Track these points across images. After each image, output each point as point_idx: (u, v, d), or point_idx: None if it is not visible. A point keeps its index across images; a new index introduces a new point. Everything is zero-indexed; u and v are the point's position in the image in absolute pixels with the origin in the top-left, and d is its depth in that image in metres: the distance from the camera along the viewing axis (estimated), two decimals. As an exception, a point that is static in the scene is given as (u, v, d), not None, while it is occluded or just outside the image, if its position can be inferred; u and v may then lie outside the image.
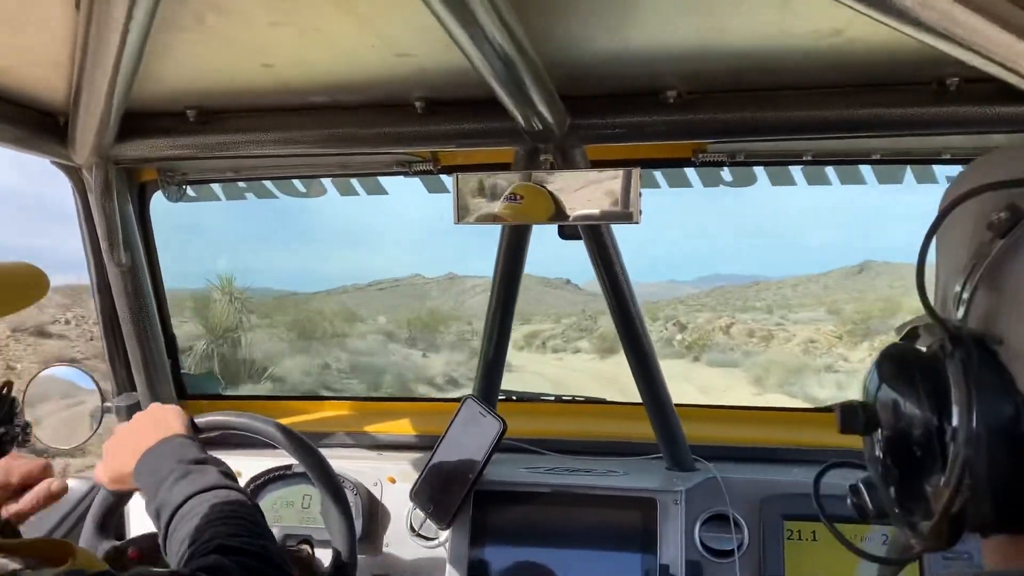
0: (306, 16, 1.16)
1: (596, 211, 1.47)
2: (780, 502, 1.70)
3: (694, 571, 1.66)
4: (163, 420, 1.35)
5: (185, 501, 1.12)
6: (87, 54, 1.23)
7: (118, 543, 1.55)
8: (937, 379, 0.61)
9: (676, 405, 1.82)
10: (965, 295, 0.62)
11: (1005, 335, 0.59)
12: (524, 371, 22.37)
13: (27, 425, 0.98)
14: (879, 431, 0.67)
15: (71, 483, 2.03)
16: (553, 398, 2.15)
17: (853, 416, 0.68)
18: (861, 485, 0.74)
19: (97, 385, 1.93)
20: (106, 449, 1.36)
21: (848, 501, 0.75)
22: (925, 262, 0.64)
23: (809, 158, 1.65)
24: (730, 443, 1.93)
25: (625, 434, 1.99)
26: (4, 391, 0.90)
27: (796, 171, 1.75)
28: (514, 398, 2.14)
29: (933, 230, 0.64)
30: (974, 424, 0.57)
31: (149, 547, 1.54)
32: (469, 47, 1.09)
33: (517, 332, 29.72)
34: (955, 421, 0.58)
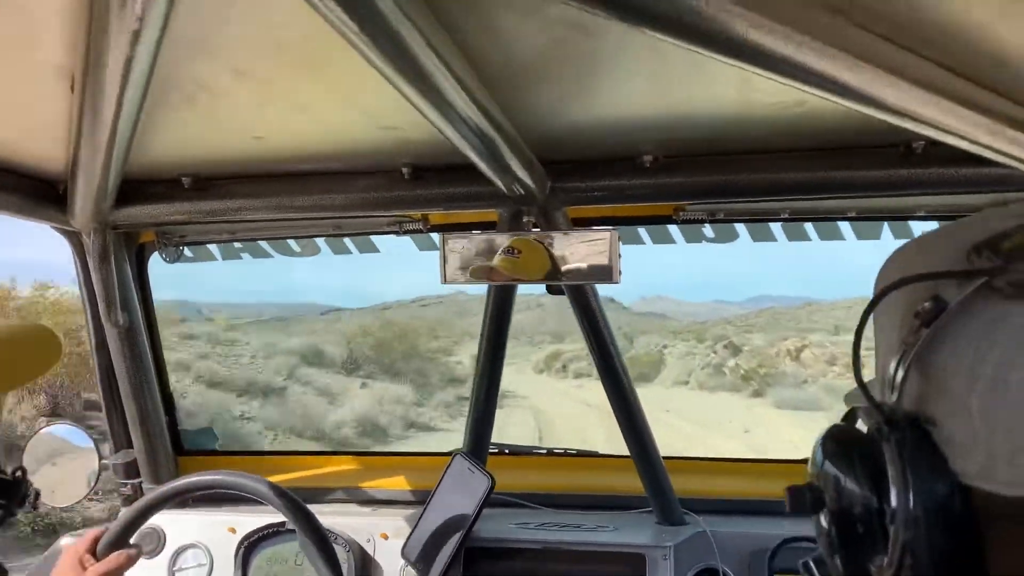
0: (292, 95, 1.22)
1: (578, 271, 1.51)
2: (766, 555, 1.71)
3: None
4: None
5: None
6: (83, 130, 1.28)
7: None
8: (875, 460, 0.62)
9: (665, 458, 1.84)
10: (898, 378, 0.63)
11: (936, 417, 0.60)
12: (519, 407, 19.16)
13: (38, 494, 1.00)
14: (824, 511, 0.69)
15: (65, 540, 2.05)
16: (544, 451, 2.17)
17: (801, 497, 0.70)
18: (811, 563, 0.76)
19: (94, 443, 1.96)
20: None
21: None
22: (860, 345, 0.66)
23: (787, 215, 1.69)
24: (719, 496, 1.95)
25: (615, 488, 2.01)
26: (17, 475, 0.93)
27: (776, 228, 1.79)
28: (506, 452, 2.16)
29: (864, 317, 0.66)
30: (911, 505, 0.58)
31: None
32: (444, 124, 1.14)
33: (541, 352, 27.62)
34: (893, 502, 0.59)
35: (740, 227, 1.81)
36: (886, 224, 1.76)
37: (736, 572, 1.73)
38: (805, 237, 1.79)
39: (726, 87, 1.14)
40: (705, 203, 1.63)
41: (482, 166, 1.34)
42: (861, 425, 0.72)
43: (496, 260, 1.55)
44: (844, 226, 1.77)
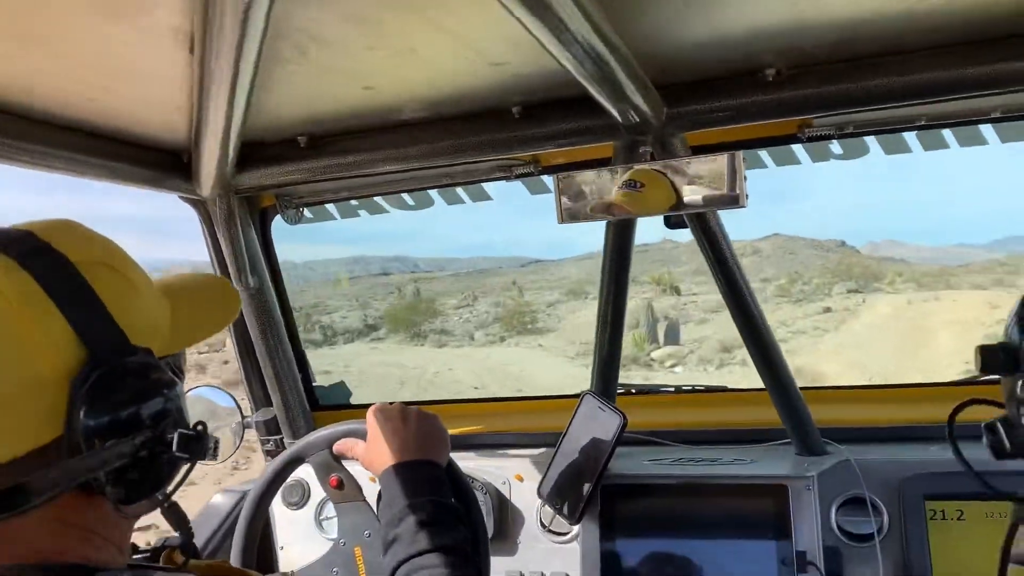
0: (400, 38, 1.20)
1: (701, 198, 1.45)
2: (920, 482, 1.63)
3: (833, 556, 1.62)
4: (432, 439, 1.36)
5: (424, 553, 1.14)
6: (203, 93, 1.31)
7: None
8: None
9: (801, 388, 1.77)
10: None
11: None
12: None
13: (217, 443, 1.04)
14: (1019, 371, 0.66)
15: (217, 498, 2.16)
16: (672, 389, 2.14)
17: (993, 357, 0.68)
18: (998, 424, 0.74)
19: (236, 402, 2.05)
20: (371, 423, 1.38)
21: (984, 440, 0.74)
22: None
23: (923, 123, 1.57)
24: (861, 424, 1.87)
25: (749, 421, 1.96)
26: (199, 428, 0.97)
27: (911, 137, 1.68)
28: (632, 391, 2.13)
29: None
30: None
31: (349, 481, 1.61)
32: (559, 51, 1.11)
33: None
34: None
35: (871, 141, 1.70)
36: (1035, 123, 1.62)
37: (885, 501, 1.66)
38: (943, 145, 1.67)
39: (858, -21, 1.06)
40: (833, 115, 1.53)
41: (596, 94, 1.30)
42: None
43: (616, 195, 1.51)
44: (987, 129, 1.64)
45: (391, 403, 1.44)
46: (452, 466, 1.47)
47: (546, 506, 1.83)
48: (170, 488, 0.93)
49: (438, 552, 1.14)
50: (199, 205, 1.89)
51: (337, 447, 1.54)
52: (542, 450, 1.96)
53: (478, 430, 2.12)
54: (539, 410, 2.18)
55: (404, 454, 1.30)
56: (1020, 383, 0.66)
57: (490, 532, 1.82)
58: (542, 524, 1.86)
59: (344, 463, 1.59)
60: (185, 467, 0.93)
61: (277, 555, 2.02)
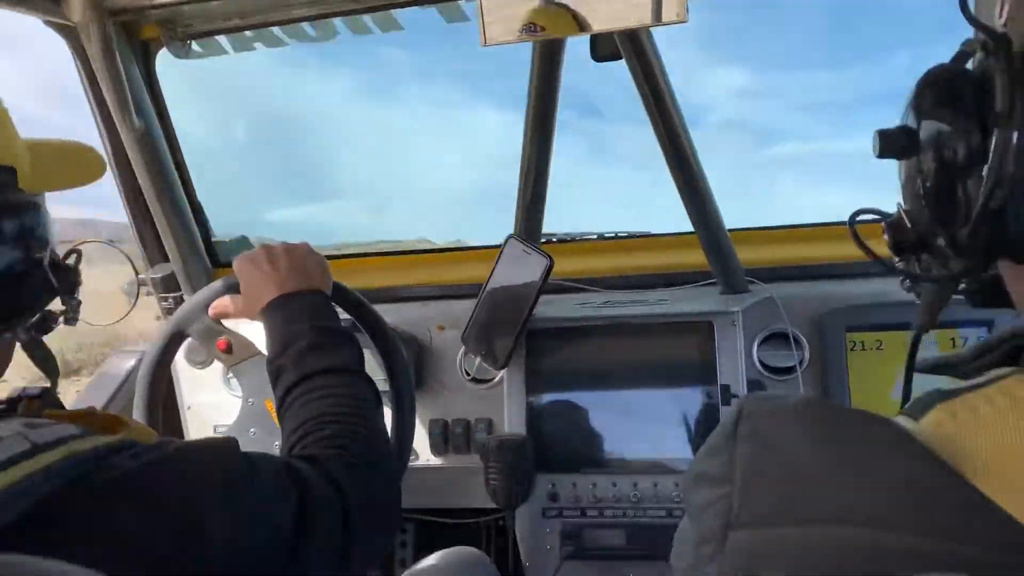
0: None
1: (635, 14, 1.34)
2: (841, 315, 1.65)
3: (756, 389, 1.63)
4: (305, 269, 1.27)
5: (311, 376, 1.09)
6: None
7: None
8: (979, 90, 0.57)
9: (729, 230, 1.73)
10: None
11: None
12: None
13: (79, 303, 0.94)
14: (919, 154, 0.63)
15: (114, 360, 2.02)
16: (595, 236, 2.08)
17: (893, 140, 0.65)
18: (885, 226, 0.72)
19: (129, 259, 1.88)
20: (240, 272, 1.30)
21: (884, 237, 0.73)
22: None
23: None
24: (785, 263, 1.86)
25: (674, 264, 1.93)
26: (75, 259, 0.86)
27: None
28: (554, 239, 2.07)
29: None
30: (1015, 132, 0.53)
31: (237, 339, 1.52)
32: None
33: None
34: (999, 134, 0.54)
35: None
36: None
37: (807, 335, 1.67)
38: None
39: None
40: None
41: None
42: None
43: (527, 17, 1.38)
44: None
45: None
46: (341, 289, 1.43)
47: (469, 354, 1.78)
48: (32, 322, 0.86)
49: (327, 373, 1.09)
50: (70, 33, 1.67)
51: (212, 310, 1.44)
52: (464, 300, 1.89)
53: (397, 283, 2.03)
54: (458, 261, 2.10)
55: (280, 289, 1.22)
56: (915, 169, 0.64)
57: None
58: (465, 372, 1.81)
59: (227, 323, 1.49)
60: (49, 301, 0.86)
61: (184, 415, 1.92)
